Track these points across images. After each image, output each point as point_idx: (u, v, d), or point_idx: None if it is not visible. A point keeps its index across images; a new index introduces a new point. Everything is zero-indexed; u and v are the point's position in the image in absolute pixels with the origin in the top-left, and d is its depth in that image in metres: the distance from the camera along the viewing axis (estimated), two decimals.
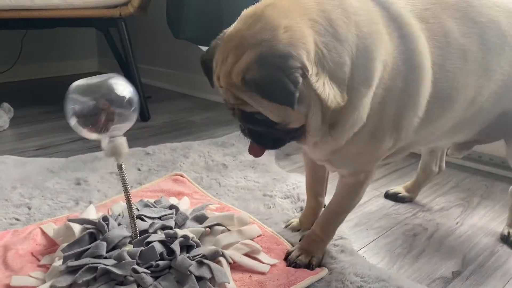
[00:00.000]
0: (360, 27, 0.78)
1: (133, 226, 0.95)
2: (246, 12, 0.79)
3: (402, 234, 1.17)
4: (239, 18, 0.79)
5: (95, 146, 1.72)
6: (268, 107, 0.77)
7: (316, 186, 1.12)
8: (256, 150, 0.88)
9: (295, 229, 1.12)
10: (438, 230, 1.19)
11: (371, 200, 1.34)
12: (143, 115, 2.14)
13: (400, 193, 1.35)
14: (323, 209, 1.11)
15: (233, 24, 0.80)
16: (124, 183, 0.91)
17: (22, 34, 2.81)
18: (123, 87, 0.86)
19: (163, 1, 2.06)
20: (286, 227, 1.13)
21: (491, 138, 1.08)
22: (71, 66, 3.16)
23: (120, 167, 0.91)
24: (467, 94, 0.90)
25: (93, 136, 0.87)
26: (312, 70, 0.73)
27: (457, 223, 1.23)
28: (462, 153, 1.21)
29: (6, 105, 2.06)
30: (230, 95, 0.80)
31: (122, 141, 0.88)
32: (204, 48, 0.83)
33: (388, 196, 1.36)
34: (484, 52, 0.89)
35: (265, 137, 0.84)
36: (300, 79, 0.72)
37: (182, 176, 1.38)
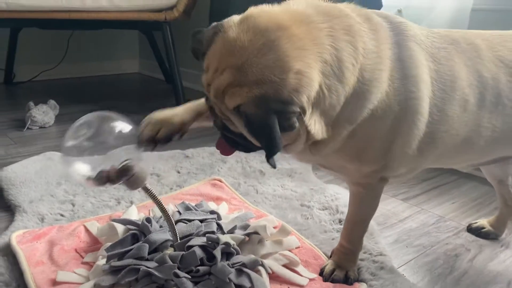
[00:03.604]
0: (363, 72, 0.78)
1: (173, 231, 0.96)
2: (257, 22, 0.73)
3: (444, 253, 1.13)
4: (248, 23, 0.73)
5: None
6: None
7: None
8: (226, 148, 0.86)
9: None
10: (481, 252, 1.15)
11: (412, 217, 1.31)
12: None
13: (484, 228, 1.23)
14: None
15: (237, 23, 0.74)
16: (155, 199, 0.92)
17: (69, 34, 2.91)
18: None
19: (206, 5, 2.09)
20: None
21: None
22: (113, 66, 3.25)
23: (145, 189, 0.90)
24: (456, 141, 0.90)
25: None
26: (308, 110, 0.74)
27: (502, 245, 1.19)
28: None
29: (52, 102, 2.13)
30: (216, 107, 0.79)
31: (141, 173, 0.86)
32: None
33: (471, 230, 1.24)
34: (479, 107, 0.88)
35: (239, 143, 0.83)
36: (297, 124, 0.73)
37: (220, 181, 1.40)
